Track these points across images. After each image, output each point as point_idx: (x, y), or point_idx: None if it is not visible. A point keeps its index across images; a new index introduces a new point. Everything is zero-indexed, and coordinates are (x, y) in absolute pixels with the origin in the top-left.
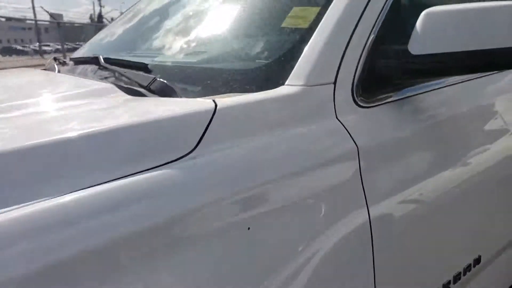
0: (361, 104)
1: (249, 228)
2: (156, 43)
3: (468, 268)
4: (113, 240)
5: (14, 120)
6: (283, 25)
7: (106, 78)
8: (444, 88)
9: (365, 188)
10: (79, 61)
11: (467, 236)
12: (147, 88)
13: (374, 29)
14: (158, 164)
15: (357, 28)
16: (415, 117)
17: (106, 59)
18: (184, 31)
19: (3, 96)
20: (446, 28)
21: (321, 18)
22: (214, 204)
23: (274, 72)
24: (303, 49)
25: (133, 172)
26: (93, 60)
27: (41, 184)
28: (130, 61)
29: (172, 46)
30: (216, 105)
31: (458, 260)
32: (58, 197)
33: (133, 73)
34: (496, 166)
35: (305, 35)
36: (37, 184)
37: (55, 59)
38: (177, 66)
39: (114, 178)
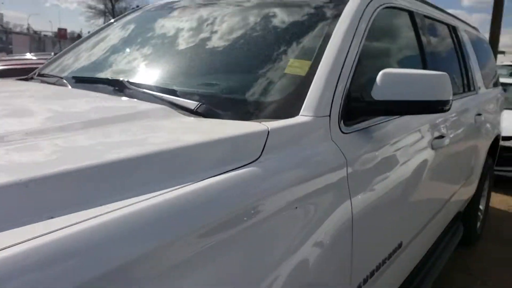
0: (343, 131)
1: (296, 208)
2: (184, 74)
3: (394, 251)
4: (228, 212)
5: (110, 134)
6: (286, 71)
7: (139, 99)
8: (394, 120)
9: (349, 186)
10: (91, 81)
11: (398, 225)
12: (195, 111)
13: (348, 81)
14: (237, 166)
15: (339, 80)
16: (376, 139)
17: (131, 83)
18: (213, 65)
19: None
20: (393, 84)
21: (315, 69)
22: (277, 186)
23: (289, 105)
24: (307, 91)
25: (232, 169)
26: (116, 82)
27: (172, 178)
28: (163, 87)
29: (204, 79)
30: (268, 127)
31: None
32: (190, 184)
33: (175, 98)
34: (417, 172)
35: (304, 80)
36: (169, 178)
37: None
38: (215, 95)
39: (220, 173)
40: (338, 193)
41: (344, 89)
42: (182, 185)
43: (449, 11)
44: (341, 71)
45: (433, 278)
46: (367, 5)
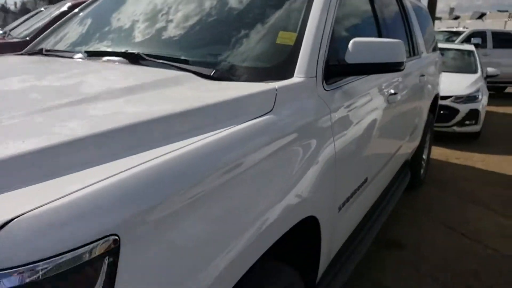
0: (326, 88)
1: (300, 143)
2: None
3: (362, 183)
4: (257, 147)
5: (148, 99)
6: (277, 42)
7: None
8: (361, 79)
9: (332, 130)
10: (105, 53)
11: (364, 163)
12: (211, 76)
13: (327, 48)
14: (260, 115)
15: (320, 48)
16: (348, 94)
17: (147, 55)
18: (219, 36)
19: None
20: (362, 50)
21: (300, 39)
22: (287, 129)
23: (284, 69)
24: (297, 57)
25: (252, 118)
26: (129, 54)
27: (216, 123)
28: (174, 57)
29: (210, 49)
30: (276, 86)
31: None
32: (231, 127)
33: (194, 67)
34: (378, 122)
35: (293, 49)
36: (215, 123)
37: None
38: (224, 63)
39: (249, 119)
40: (326, 135)
41: (324, 55)
42: (224, 129)
43: None
44: (321, 40)
45: (388, 211)
46: None
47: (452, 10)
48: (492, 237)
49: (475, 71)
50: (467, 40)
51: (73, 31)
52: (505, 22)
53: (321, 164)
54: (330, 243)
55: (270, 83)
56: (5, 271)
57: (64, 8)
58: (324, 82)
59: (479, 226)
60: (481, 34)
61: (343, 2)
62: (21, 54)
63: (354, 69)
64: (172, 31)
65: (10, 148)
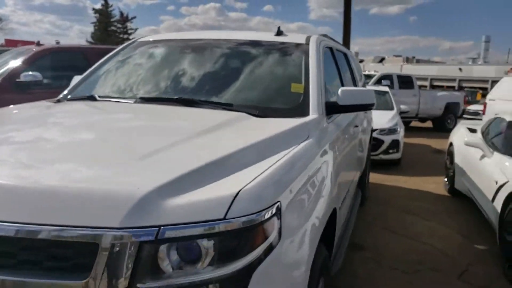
0: (327, 122)
1: (323, 158)
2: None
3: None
4: (308, 160)
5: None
6: (291, 90)
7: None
8: (340, 115)
9: (332, 150)
10: (151, 99)
11: (345, 177)
12: (257, 114)
13: (324, 94)
14: (304, 139)
15: (321, 94)
16: (336, 125)
17: (199, 101)
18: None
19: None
20: (348, 95)
21: (307, 88)
22: (318, 149)
23: (301, 110)
24: (308, 101)
25: (303, 140)
26: (181, 100)
27: (282, 147)
28: (211, 101)
29: (245, 95)
30: (306, 121)
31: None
32: (292, 149)
33: (238, 109)
34: (352, 144)
35: (304, 95)
36: (282, 145)
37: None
38: (256, 106)
39: (298, 143)
40: (331, 153)
41: (323, 98)
42: (293, 147)
43: (298, 23)
44: (320, 89)
45: (354, 218)
46: (319, 46)
47: (356, 54)
48: (426, 236)
49: (391, 108)
50: (378, 82)
51: (114, 80)
52: (401, 66)
53: (333, 170)
54: (338, 229)
55: (299, 119)
56: (238, 218)
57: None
58: (326, 117)
59: (415, 230)
60: (389, 77)
61: (323, 59)
62: (60, 101)
63: (344, 109)
64: (213, 82)
65: (198, 160)
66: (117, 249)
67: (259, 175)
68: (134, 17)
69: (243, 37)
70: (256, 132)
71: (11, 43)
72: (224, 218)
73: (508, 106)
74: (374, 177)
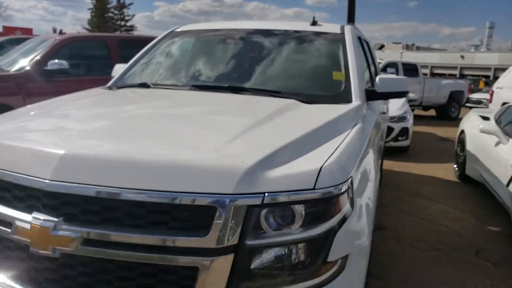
0: (367, 107)
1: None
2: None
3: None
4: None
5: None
6: (334, 78)
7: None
8: (379, 101)
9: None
10: (203, 87)
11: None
12: (305, 101)
13: (362, 82)
14: (355, 123)
15: (361, 81)
16: (374, 110)
17: (248, 88)
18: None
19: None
20: (384, 83)
21: (348, 76)
22: (366, 129)
23: (344, 96)
24: (350, 88)
25: (355, 124)
26: (231, 88)
27: (343, 129)
28: (260, 89)
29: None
30: (353, 107)
31: None
32: (348, 132)
33: (287, 96)
34: (381, 126)
35: (346, 83)
36: (342, 129)
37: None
38: (302, 93)
39: (351, 127)
40: (371, 138)
41: (363, 85)
42: (351, 129)
43: (294, 9)
44: (360, 76)
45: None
46: (353, 36)
47: None
48: (441, 218)
49: None
50: (383, 69)
51: (160, 69)
52: (401, 53)
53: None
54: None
55: (346, 105)
56: (324, 188)
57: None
58: (366, 103)
59: (430, 212)
60: (394, 65)
61: (357, 47)
62: (111, 88)
63: (381, 96)
64: (259, 71)
65: (281, 139)
66: (231, 211)
67: (332, 154)
68: (131, 3)
69: (281, 27)
70: (314, 116)
71: (9, 30)
72: (314, 188)
73: None
74: (384, 163)
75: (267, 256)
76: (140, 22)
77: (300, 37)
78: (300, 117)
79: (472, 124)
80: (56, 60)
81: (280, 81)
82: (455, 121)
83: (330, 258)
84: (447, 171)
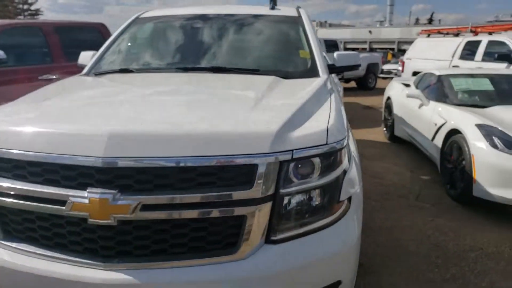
0: (329, 79)
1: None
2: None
3: None
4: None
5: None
6: (301, 56)
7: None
8: (333, 75)
9: (334, 93)
10: (186, 68)
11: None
12: (283, 77)
13: (323, 58)
14: (330, 94)
15: (323, 58)
16: (333, 83)
17: (222, 68)
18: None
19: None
20: (342, 59)
21: (312, 54)
22: (332, 88)
23: (312, 72)
24: (316, 64)
25: (332, 93)
26: (210, 68)
27: (326, 96)
28: (240, 68)
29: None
30: (324, 78)
31: None
32: (329, 97)
33: (265, 73)
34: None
35: (311, 59)
36: (326, 97)
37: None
38: (277, 70)
39: (331, 94)
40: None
41: (324, 61)
42: (329, 97)
43: None
44: (321, 53)
45: None
46: (308, 17)
47: None
48: (384, 174)
49: None
50: None
51: (135, 55)
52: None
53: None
54: None
55: (317, 79)
56: (334, 143)
57: None
58: (328, 76)
59: (373, 170)
60: None
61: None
62: (89, 75)
63: (340, 69)
64: (233, 52)
65: (291, 107)
66: (268, 167)
67: (329, 117)
68: None
69: (246, 11)
70: (298, 89)
71: None
72: (326, 144)
73: (422, 63)
74: None
75: (295, 200)
76: (42, 5)
77: (265, 20)
78: (289, 90)
79: (396, 91)
80: None
81: (255, 61)
82: (373, 90)
83: (341, 198)
84: (377, 134)
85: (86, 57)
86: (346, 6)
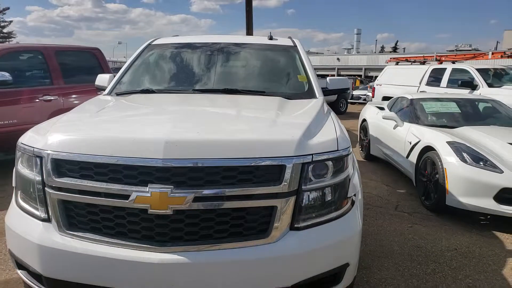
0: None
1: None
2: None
3: None
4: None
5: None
6: (299, 80)
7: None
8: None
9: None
10: (202, 90)
11: None
12: (287, 98)
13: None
14: (330, 112)
15: (317, 82)
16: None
17: (234, 90)
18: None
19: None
20: (333, 83)
21: (309, 78)
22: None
23: (310, 93)
24: (313, 87)
25: (329, 113)
26: (224, 90)
27: (326, 116)
28: (250, 90)
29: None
30: (321, 100)
31: None
32: (328, 116)
33: (270, 94)
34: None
35: (309, 83)
36: (325, 117)
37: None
38: (280, 92)
39: (330, 114)
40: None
41: (319, 84)
42: (329, 117)
43: (181, 15)
44: (315, 77)
45: None
46: (301, 46)
47: None
48: (363, 187)
49: None
50: None
51: (152, 78)
52: None
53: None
54: None
55: (315, 99)
56: (342, 150)
57: None
58: (324, 97)
59: None
60: None
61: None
62: (111, 95)
63: (331, 92)
64: (240, 76)
65: (304, 120)
66: (293, 167)
67: (335, 129)
68: (8, 8)
69: (248, 41)
70: (303, 107)
71: None
72: (337, 150)
73: (391, 89)
74: None
75: (313, 196)
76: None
77: (267, 49)
78: (296, 108)
79: (371, 114)
80: None
81: (261, 84)
82: (345, 114)
83: (349, 195)
84: (354, 153)
85: (103, 79)
86: (314, 34)
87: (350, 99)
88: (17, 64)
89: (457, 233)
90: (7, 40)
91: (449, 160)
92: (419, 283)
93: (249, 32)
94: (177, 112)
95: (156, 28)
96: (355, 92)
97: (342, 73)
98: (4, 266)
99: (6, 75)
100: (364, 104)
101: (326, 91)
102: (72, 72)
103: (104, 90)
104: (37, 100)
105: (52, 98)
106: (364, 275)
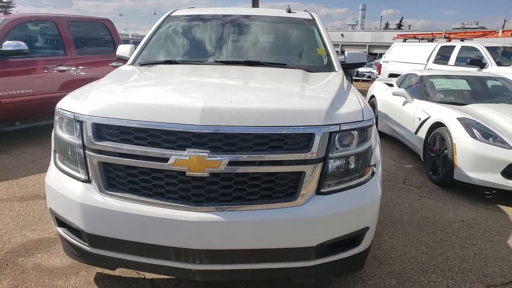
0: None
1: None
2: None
3: None
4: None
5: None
6: (319, 53)
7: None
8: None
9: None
10: (224, 62)
11: None
12: (308, 70)
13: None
14: (349, 84)
15: (336, 56)
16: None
17: (255, 62)
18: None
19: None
20: (351, 57)
21: (328, 52)
22: (351, 87)
23: (329, 67)
24: (331, 60)
25: (349, 85)
26: (245, 62)
27: (348, 87)
28: (271, 62)
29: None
30: (341, 72)
31: None
32: (348, 87)
33: (291, 67)
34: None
35: (328, 56)
36: (343, 87)
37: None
38: (300, 65)
39: (351, 87)
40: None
41: (338, 58)
42: (352, 90)
43: None
44: (334, 51)
45: None
46: (320, 20)
47: None
48: None
49: None
50: None
51: (174, 49)
52: None
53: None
54: None
55: (335, 73)
56: (367, 120)
57: None
58: (343, 71)
59: None
60: None
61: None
62: (134, 65)
63: (349, 66)
64: (262, 48)
65: (331, 92)
66: (322, 135)
67: (359, 101)
68: None
69: (269, 13)
70: (325, 79)
71: None
72: (362, 120)
73: (398, 66)
74: None
75: (338, 163)
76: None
77: (286, 22)
78: (319, 80)
79: (379, 91)
80: (13, 41)
81: (282, 56)
82: None
83: (371, 163)
84: None
85: (124, 50)
86: (317, 9)
87: (355, 76)
88: (31, 34)
89: (463, 206)
90: (7, 9)
91: (459, 135)
92: (428, 249)
93: (255, 4)
94: (208, 82)
95: (155, 0)
96: (360, 69)
97: (345, 49)
98: (34, 226)
99: (22, 45)
100: (369, 81)
101: (344, 65)
102: (84, 43)
103: (125, 60)
104: (51, 71)
105: (65, 68)
106: (376, 242)
